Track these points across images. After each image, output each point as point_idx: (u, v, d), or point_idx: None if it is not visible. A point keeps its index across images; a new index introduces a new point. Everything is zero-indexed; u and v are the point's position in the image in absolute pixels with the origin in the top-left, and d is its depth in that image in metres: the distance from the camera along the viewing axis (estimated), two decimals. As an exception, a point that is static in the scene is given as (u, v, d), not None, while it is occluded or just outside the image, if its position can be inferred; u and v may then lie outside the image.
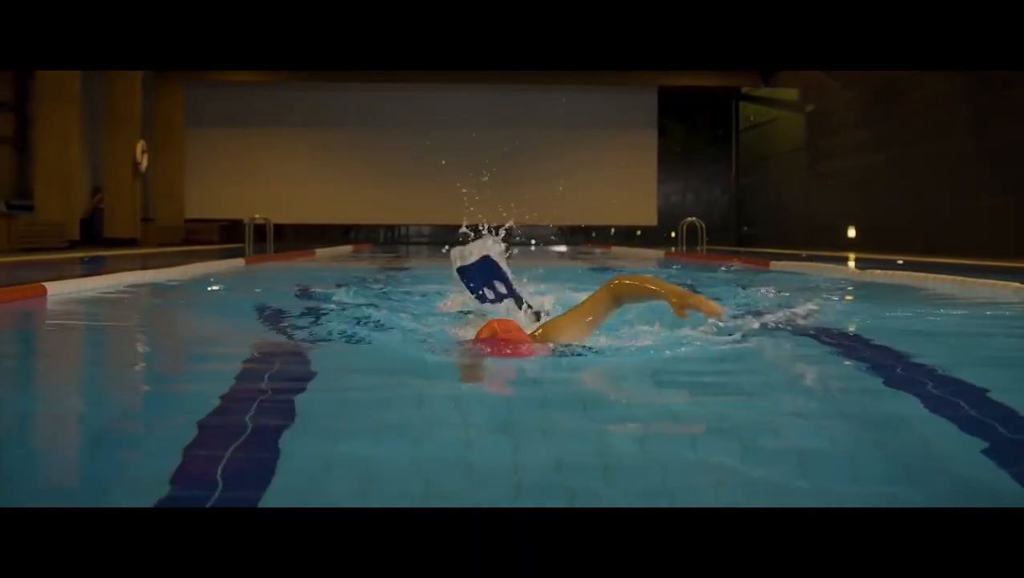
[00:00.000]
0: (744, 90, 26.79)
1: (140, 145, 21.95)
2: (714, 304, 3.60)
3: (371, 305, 5.65)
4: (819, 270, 11.38)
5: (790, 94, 24.19)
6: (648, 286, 3.89)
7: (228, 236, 25.01)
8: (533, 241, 27.39)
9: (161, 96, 24.96)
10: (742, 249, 20.79)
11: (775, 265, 12.34)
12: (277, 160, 27.36)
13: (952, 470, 2.32)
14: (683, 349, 3.91)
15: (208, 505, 1.84)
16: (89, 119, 21.06)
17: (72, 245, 18.61)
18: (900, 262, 12.74)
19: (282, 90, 26.84)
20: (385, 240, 27.65)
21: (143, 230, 22.35)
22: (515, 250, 5.84)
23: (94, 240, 21.06)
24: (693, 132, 28.36)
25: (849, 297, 7.92)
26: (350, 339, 4.31)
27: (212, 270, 10.64)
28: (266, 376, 3.40)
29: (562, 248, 24.19)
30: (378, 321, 4.77)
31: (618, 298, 3.96)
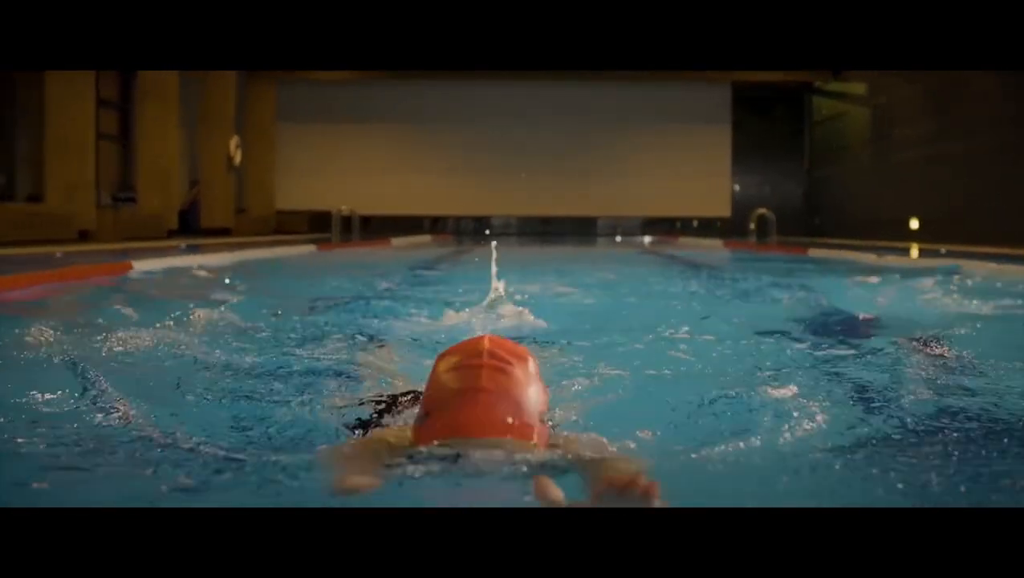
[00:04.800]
0: (816, 84, 27.22)
1: (234, 140, 23.22)
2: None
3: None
4: (854, 257, 11.98)
5: (859, 88, 24.59)
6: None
7: (317, 226, 26.15)
8: (619, 231, 28.16)
9: (254, 93, 26.11)
10: (805, 239, 21.23)
11: (813, 252, 12.96)
12: (364, 153, 28.33)
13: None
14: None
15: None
16: (187, 116, 22.29)
17: (171, 234, 19.83)
18: (943, 251, 13.21)
19: (369, 87, 27.68)
20: (475, 231, 28.42)
21: (237, 220, 23.57)
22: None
23: (191, 230, 22.29)
24: (767, 125, 28.73)
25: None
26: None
27: (284, 255, 11.73)
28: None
29: (646, 238, 24.86)
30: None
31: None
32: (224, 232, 22.30)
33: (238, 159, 23.49)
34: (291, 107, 27.61)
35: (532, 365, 2.11)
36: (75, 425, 2.46)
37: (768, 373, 3.49)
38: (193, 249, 13.36)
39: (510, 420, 2.00)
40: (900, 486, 2.18)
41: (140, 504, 1.86)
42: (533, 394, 2.07)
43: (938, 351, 3.96)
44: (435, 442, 2.00)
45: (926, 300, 7.00)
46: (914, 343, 4.18)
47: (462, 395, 2.02)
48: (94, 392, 2.90)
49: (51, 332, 4.05)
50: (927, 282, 8.18)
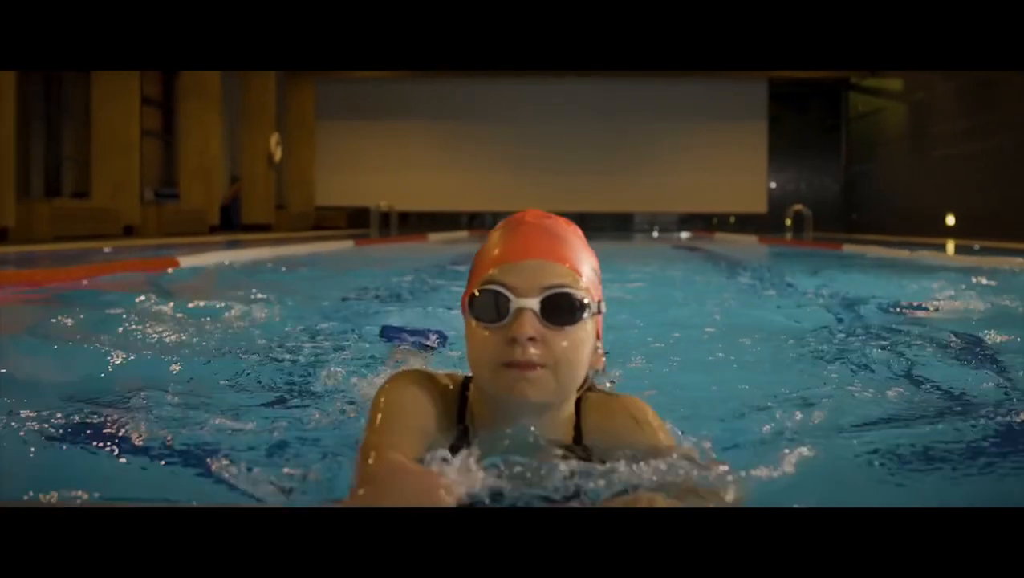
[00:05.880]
0: (853, 80, 27.18)
1: (274, 138, 23.55)
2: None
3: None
4: (887, 253, 12.04)
5: (896, 84, 24.54)
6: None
7: (356, 222, 26.48)
8: (655, 227, 28.29)
9: (293, 92, 26.44)
10: (840, 236, 21.24)
11: (847, 248, 13.04)
12: (402, 150, 28.50)
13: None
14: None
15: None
16: (228, 114, 22.66)
17: (212, 230, 20.22)
18: (977, 248, 13.24)
19: (407, 84, 27.96)
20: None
21: (277, 216, 23.89)
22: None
23: (232, 225, 22.72)
24: (803, 121, 28.71)
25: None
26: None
27: (323, 251, 11.99)
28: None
29: (683, 234, 24.96)
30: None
31: None
32: (264, 228, 22.64)
33: (278, 156, 23.80)
34: (330, 104, 27.89)
35: (580, 232, 2.00)
36: (104, 421, 2.43)
37: (812, 373, 3.53)
38: (234, 245, 13.65)
39: (554, 247, 1.89)
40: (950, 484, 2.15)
41: (160, 502, 1.86)
42: (581, 244, 1.95)
43: (977, 347, 3.96)
44: (478, 284, 1.87)
45: (961, 297, 7.05)
46: (951, 339, 4.18)
47: (504, 233, 1.94)
48: (130, 386, 2.95)
49: (87, 325, 4.21)
50: (961, 279, 8.22)
